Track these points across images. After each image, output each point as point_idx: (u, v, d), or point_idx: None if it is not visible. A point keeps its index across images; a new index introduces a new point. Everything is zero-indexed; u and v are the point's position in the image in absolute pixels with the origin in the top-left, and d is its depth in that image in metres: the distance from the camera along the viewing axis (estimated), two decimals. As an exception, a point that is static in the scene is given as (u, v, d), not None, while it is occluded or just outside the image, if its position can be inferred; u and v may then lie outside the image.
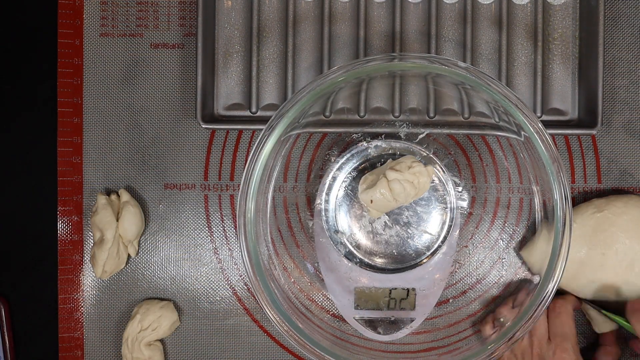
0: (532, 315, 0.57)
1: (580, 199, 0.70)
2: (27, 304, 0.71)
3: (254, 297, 0.70)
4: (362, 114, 0.69)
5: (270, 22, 0.70)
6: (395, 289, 0.67)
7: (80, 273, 0.70)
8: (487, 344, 0.58)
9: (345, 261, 0.68)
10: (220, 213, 0.70)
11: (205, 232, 0.70)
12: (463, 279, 0.69)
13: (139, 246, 0.70)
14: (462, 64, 0.57)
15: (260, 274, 0.58)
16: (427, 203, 0.68)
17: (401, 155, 0.68)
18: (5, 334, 0.69)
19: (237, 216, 0.61)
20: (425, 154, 0.68)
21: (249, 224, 0.58)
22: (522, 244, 0.69)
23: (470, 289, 0.69)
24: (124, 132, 0.70)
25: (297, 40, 0.70)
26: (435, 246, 0.68)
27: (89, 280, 0.70)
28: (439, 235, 0.68)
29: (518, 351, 0.66)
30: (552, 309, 0.66)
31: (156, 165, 0.70)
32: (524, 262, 0.68)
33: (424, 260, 0.68)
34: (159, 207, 0.70)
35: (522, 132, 0.59)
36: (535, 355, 0.65)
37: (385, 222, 0.67)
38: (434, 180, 0.67)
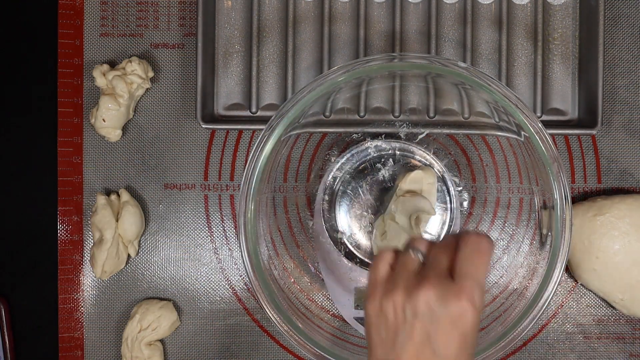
0: (532, 314, 0.57)
1: (580, 199, 0.70)
2: (27, 304, 0.70)
3: (254, 297, 0.70)
4: (362, 114, 0.69)
5: (270, 22, 0.70)
6: (395, 289, 0.67)
7: (80, 273, 0.70)
8: (487, 343, 0.58)
9: (345, 261, 0.68)
10: (220, 213, 0.70)
11: (205, 232, 0.70)
12: (463, 279, 0.69)
13: (139, 246, 0.70)
14: (462, 64, 0.57)
15: (260, 274, 0.58)
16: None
17: (402, 155, 0.68)
18: (5, 334, 0.69)
19: (237, 216, 0.61)
20: (425, 154, 0.68)
21: (249, 224, 0.58)
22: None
23: (470, 289, 0.69)
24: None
25: (297, 40, 0.70)
26: (435, 246, 0.68)
27: (88, 280, 0.70)
28: (439, 235, 0.68)
29: (383, 275, 0.51)
30: (475, 242, 0.49)
31: (156, 165, 0.70)
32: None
33: (424, 260, 0.68)
34: (159, 207, 0.70)
35: (522, 132, 0.59)
36: (424, 289, 0.47)
37: (385, 222, 0.68)
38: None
